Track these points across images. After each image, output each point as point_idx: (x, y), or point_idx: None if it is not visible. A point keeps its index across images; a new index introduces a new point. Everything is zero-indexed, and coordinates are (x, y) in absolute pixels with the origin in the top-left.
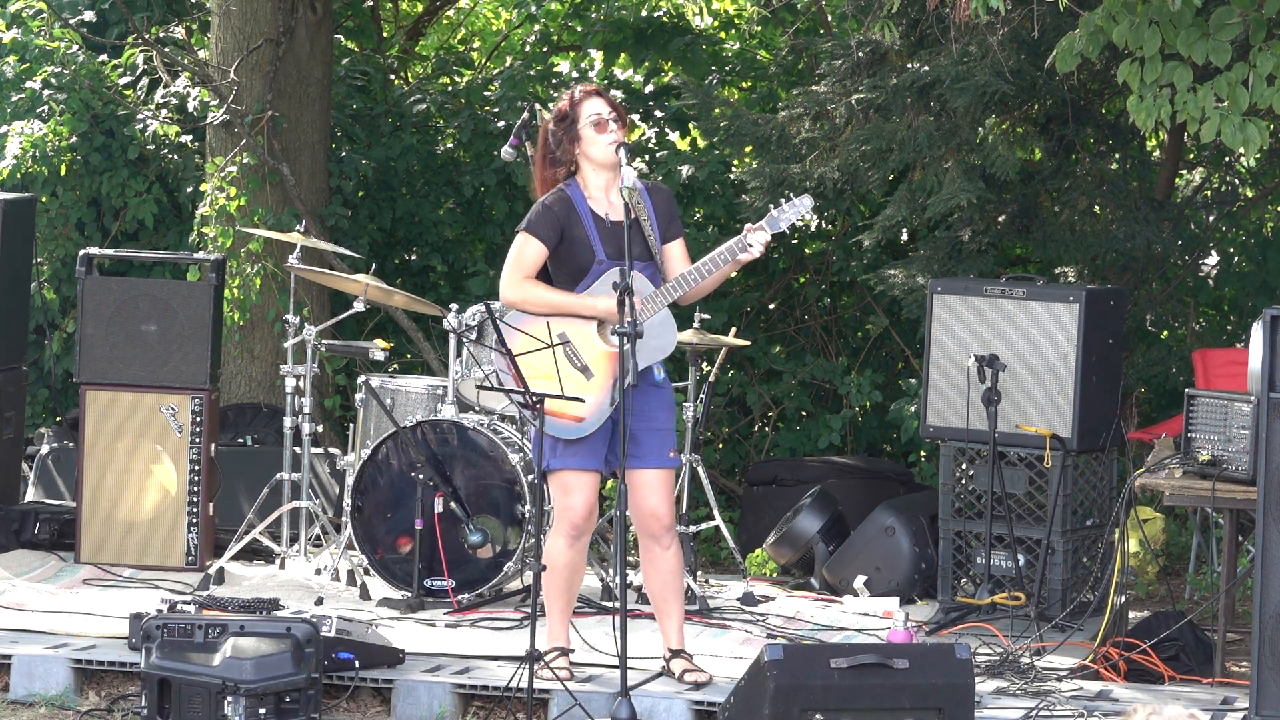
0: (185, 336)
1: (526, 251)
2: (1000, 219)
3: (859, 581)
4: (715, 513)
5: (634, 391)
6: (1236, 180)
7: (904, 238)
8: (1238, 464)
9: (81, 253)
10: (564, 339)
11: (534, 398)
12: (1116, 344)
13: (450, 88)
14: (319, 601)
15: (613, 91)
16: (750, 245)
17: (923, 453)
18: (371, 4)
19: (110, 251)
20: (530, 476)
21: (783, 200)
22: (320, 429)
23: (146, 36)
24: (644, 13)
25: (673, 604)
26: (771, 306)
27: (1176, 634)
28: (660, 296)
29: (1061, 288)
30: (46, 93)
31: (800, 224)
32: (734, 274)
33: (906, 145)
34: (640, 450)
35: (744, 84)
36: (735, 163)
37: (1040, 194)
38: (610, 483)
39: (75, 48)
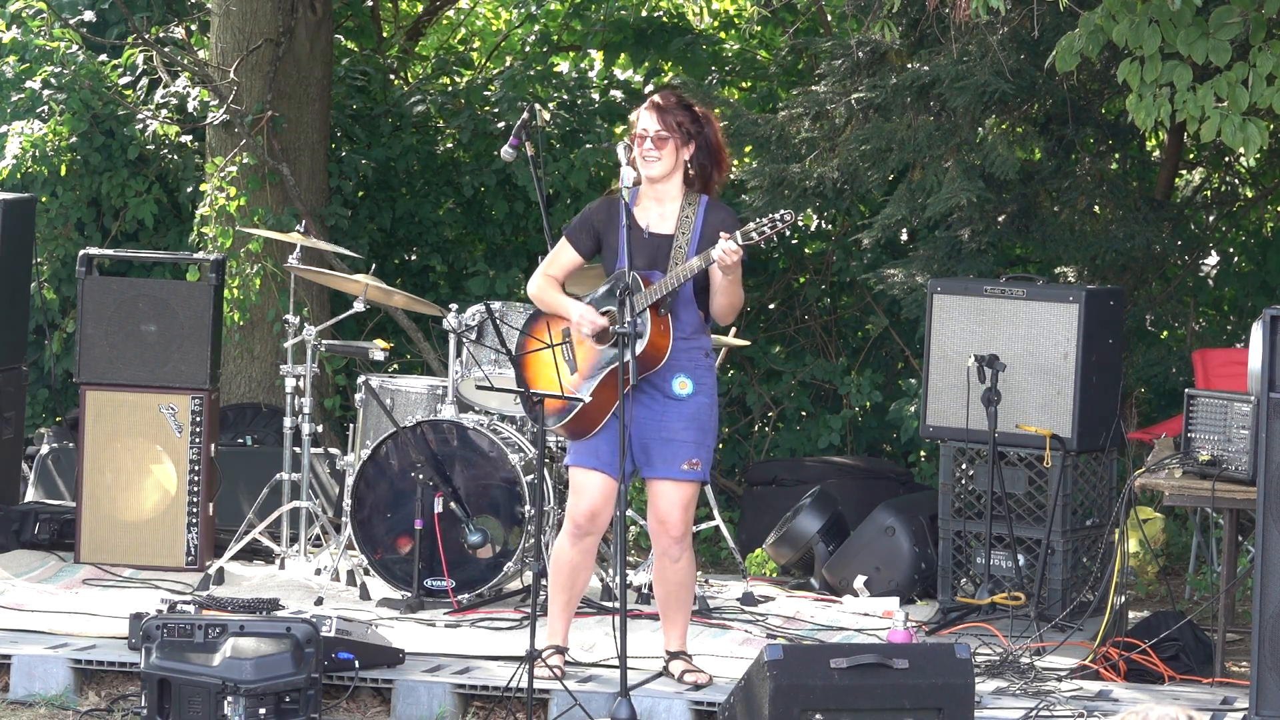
0: (185, 336)
1: (560, 254)
2: (1000, 219)
3: (859, 581)
4: (715, 513)
5: (645, 400)
6: (1236, 180)
7: (904, 237)
8: (1238, 464)
9: (81, 253)
10: (566, 335)
11: (534, 398)
12: (1116, 344)
13: (450, 88)
14: (319, 601)
15: (612, 92)
16: (711, 255)
17: (923, 453)
18: (371, 4)
19: (110, 251)
20: (530, 477)
21: (763, 217)
22: (320, 429)
23: (146, 36)
24: (644, 13)
25: (677, 612)
26: (771, 306)
27: (1176, 634)
28: (640, 296)
29: (1061, 288)
30: (46, 93)
31: (796, 227)
32: (741, 297)
33: (906, 145)
34: (650, 460)
35: (744, 84)
36: (735, 163)
37: (1040, 194)
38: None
39: (75, 48)
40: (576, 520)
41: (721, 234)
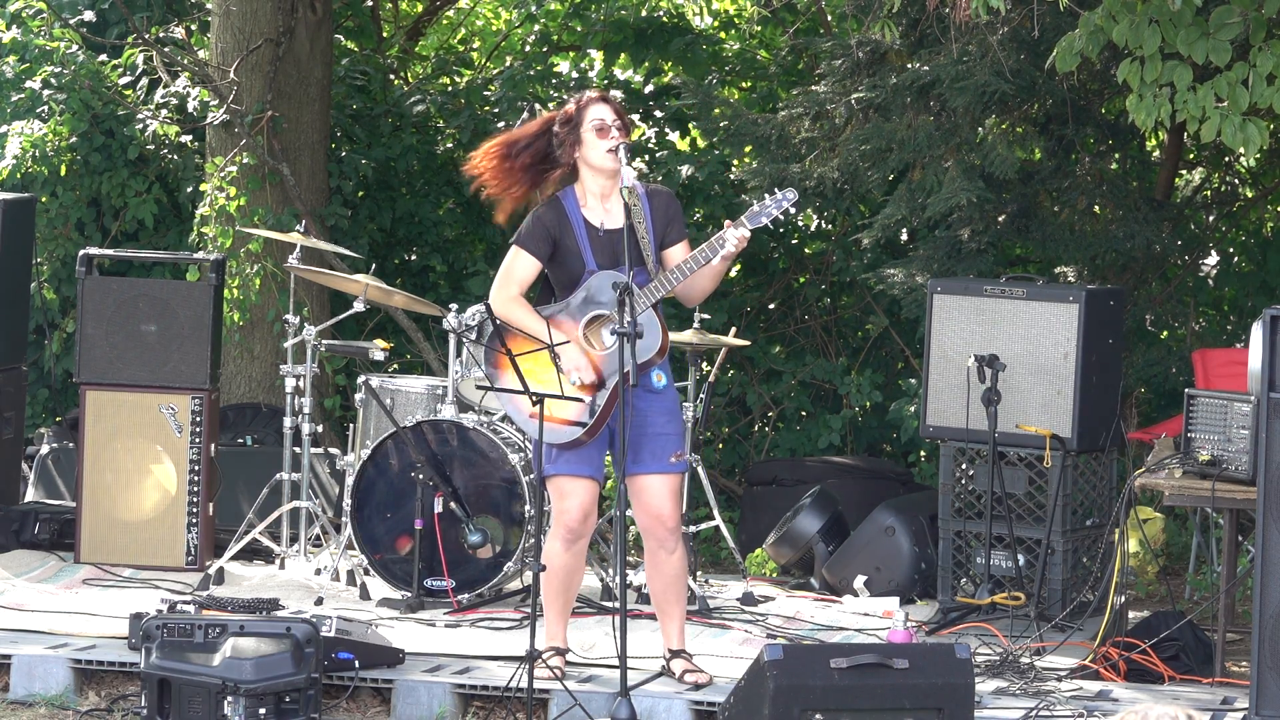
0: (185, 336)
1: (516, 265)
2: (1000, 219)
3: (859, 581)
4: (715, 513)
5: (628, 397)
6: (1236, 180)
7: (904, 237)
8: (1238, 464)
9: (81, 253)
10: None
11: (534, 398)
12: (1116, 344)
13: (450, 88)
14: (319, 601)
15: (613, 91)
16: (726, 241)
17: (923, 453)
18: (371, 4)
19: (110, 251)
20: (530, 477)
21: (766, 195)
22: (320, 429)
23: (146, 36)
24: (644, 13)
25: (674, 606)
26: (771, 306)
27: (1176, 634)
28: (642, 297)
29: (1061, 288)
30: (46, 93)
31: (791, 216)
32: (731, 272)
33: (906, 145)
34: (639, 456)
35: (744, 84)
36: (735, 163)
37: (1040, 194)
38: (611, 484)
39: (75, 48)
40: (569, 525)
41: (727, 221)
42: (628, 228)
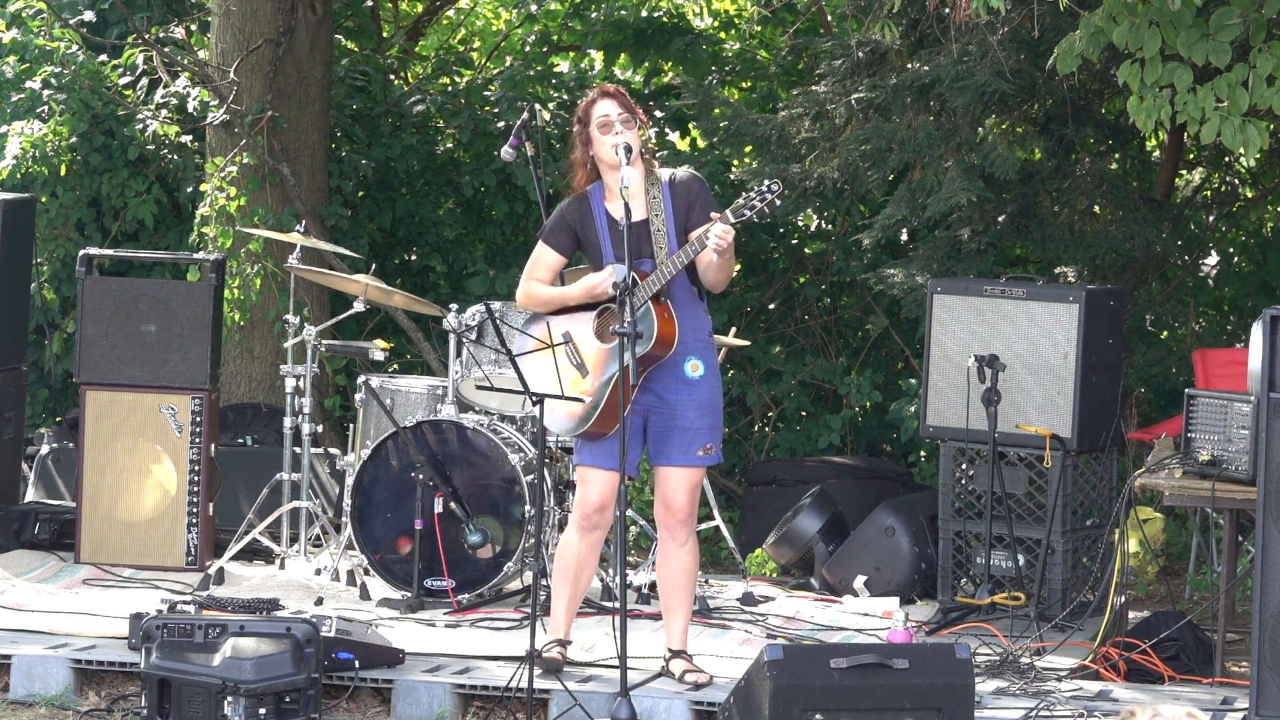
0: (185, 336)
1: (540, 258)
2: (1000, 219)
3: (859, 581)
4: (715, 513)
5: (658, 388)
6: (1236, 180)
7: (904, 237)
8: (1238, 464)
9: (81, 253)
10: (567, 338)
11: (534, 397)
12: (1116, 344)
13: (450, 88)
14: (319, 601)
15: None
16: (706, 240)
17: (923, 453)
18: (371, 4)
19: (110, 251)
20: (530, 476)
21: (752, 187)
22: (320, 429)
23: (146, 36)
24: (644, 13)
25: (680, 603)
26: (771, 306)
27: (1176, 634)
28: (640, 290)
29: (1061, 288)
30: (46, 93)
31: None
32: (735, 268)
33: (906, 145)
34: (666, 449)
35: (744, 84)
36: (735, 163)
37: (1040, 194)
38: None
39: (75, 48)
40: (585, 512)
41: (712, 214)
42: (629, 224)
